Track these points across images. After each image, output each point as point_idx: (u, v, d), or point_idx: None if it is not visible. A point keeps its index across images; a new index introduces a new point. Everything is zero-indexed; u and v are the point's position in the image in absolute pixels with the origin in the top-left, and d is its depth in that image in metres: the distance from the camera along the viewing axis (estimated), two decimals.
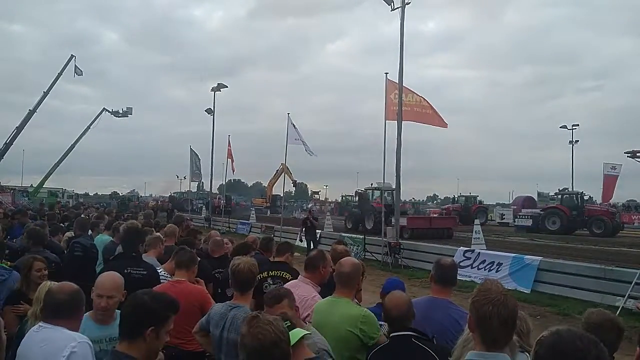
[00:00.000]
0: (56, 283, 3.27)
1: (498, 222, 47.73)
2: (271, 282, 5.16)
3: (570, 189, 40.82)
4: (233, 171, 37.15)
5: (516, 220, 38.65)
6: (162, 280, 4.93)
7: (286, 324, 2.41)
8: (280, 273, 5.29)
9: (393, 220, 19.72)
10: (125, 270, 5.10)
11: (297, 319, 3.14)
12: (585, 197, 35.85)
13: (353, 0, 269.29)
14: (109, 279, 3.48)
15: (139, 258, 5.30)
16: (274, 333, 2.21)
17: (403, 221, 19.15)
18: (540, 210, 37.06)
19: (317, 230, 22.52)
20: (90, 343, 2.82)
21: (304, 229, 22.23)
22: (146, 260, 5.35)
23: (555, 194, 39.39)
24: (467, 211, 46.34)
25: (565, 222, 33.36)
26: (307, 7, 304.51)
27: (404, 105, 17.98)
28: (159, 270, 5.24)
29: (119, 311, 3.07)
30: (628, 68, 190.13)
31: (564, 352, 1.77)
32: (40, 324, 2.89)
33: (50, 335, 2.78)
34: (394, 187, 26.86)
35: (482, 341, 2.33)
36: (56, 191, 57.47)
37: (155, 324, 2.52)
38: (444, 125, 18.42)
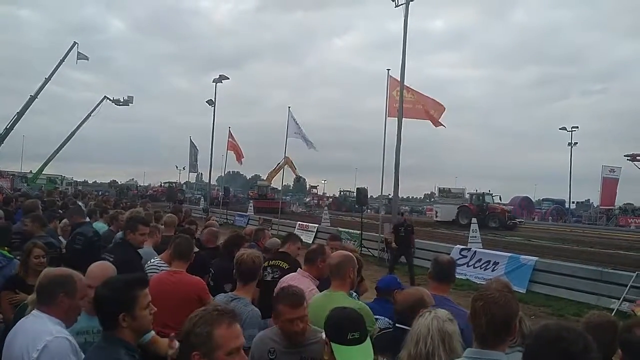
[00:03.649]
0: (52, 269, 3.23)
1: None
2: (270, 272, 5.22)
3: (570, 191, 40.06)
4: (240, 163, 36.12)
5: None
6: (158, 270, 4.92)
7: None
8: (278, 262, 5.33)
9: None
10: (102, 256, 5.13)
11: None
12: None
13: None
14: (99, 269, 3.37)
15: (123, 245, 5.29)
16: None
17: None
18: None
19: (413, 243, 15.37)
20: (71, 338, 2.71)
21: (392, 241, 15.36)
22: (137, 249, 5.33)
23: None
24: (482, 212, 38.73)
25: None
26: (315, 0, 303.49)
27: (405, 102, 17.97)
28: (154, 260, 5.21)
29: None
30: (632, 71, 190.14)
31: (550, 341, 1.81)
32: (33, 311, 2.84)
33: (33, 325, 2.70)
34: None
35: (475, 338, 2.35)
36: (55, 178, 57.43)
37: (123, 309, 2.45)
38: (438, 124, 18.47)
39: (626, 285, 11.09)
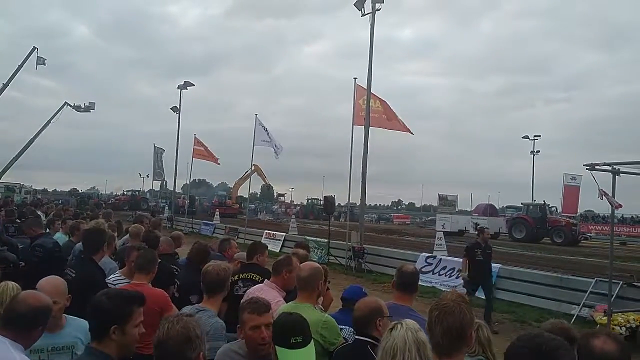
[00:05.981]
0: (19, 289, 3.03)
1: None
2: (242, 285, 5.10)
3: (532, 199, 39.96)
4: (218, 163, 35.28)
5: None
6: (117, 284, 4.80)
7: None
8: (250, 275, 5.22)
9: None
10: (65, 271, 4.96)
11: None
12: None
13: (333, 3, 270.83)
14: (49, 283, 3.21)
15: (84, 260, 5.08)
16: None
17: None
18: None
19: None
20: None
21: (467, 263, 11.13)
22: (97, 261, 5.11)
23: None
24: (542, 224, 35.97)
25: None
26: (286, 8, 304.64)
27: (372, 111, 18.12)
28: (111, 277, 5.08)
29: (74, 318, 2.93)
30: (595, 81, 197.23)
31: (529, 338, 1.92)
32: None
33: None
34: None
35: (432, 348, 2.38)
36: (13, 186, 55.70)
37: (117, 322, 2.48)
38: (406, 130, 18.71)
39: (586, 291, 11.34)
